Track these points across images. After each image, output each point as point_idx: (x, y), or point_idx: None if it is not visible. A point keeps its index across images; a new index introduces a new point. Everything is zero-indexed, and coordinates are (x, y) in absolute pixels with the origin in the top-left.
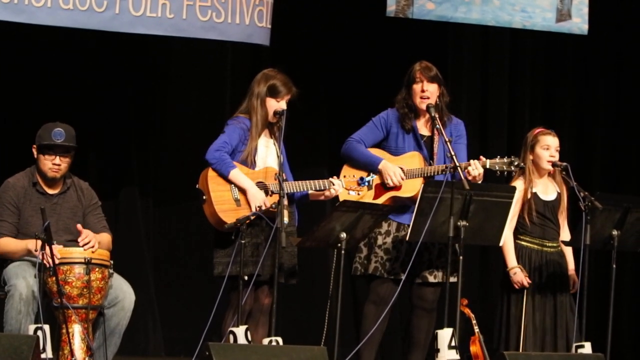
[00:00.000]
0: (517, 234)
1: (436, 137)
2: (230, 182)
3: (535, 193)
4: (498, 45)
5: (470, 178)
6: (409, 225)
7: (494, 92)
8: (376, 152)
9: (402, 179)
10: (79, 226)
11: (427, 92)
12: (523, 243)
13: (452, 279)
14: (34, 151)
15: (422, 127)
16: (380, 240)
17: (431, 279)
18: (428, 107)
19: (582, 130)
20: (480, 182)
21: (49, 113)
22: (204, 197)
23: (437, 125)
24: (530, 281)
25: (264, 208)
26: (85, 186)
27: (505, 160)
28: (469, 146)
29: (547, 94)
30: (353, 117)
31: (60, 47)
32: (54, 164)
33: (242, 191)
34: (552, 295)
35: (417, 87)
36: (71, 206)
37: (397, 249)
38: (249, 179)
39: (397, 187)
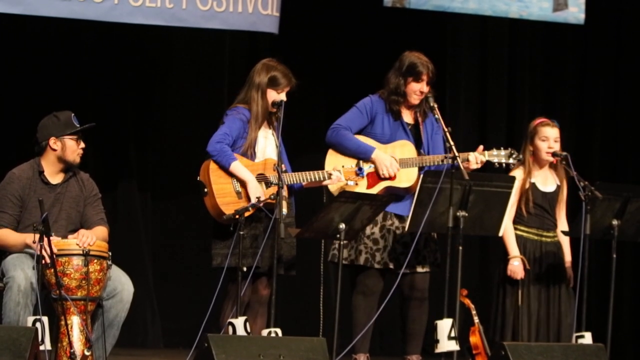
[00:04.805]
0: (513, 223)
1: (421, 127)
2: (231, 174)
3: (533, 183)
4: (497, 35)
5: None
6: (395, 215)
7: (492, 82)
8: (365, 140)
9: (398, 169)
10: (70, 237)
11: (424, 92)
12: (519, 233)
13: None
14: (52, 143)
15: (407, 116)
16: (368, 230)
17: (419, 269)
18: (427, 96)
19: (581, 119)
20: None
21: (45, 106)
22: (206, 190)
23: (437, 116)
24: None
25: (262, 199)
26: (85, 177)
27: (502, 152)
28: (468, 136)
29: (546, 83)
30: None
31: (57, 39)
32: (81, 149)
33: (243, 183)
34: (547, 286)
35: (417, 86)
36: (73, 196)
37: (385, 238)
38: (249, 171)
39: (391, 177)
